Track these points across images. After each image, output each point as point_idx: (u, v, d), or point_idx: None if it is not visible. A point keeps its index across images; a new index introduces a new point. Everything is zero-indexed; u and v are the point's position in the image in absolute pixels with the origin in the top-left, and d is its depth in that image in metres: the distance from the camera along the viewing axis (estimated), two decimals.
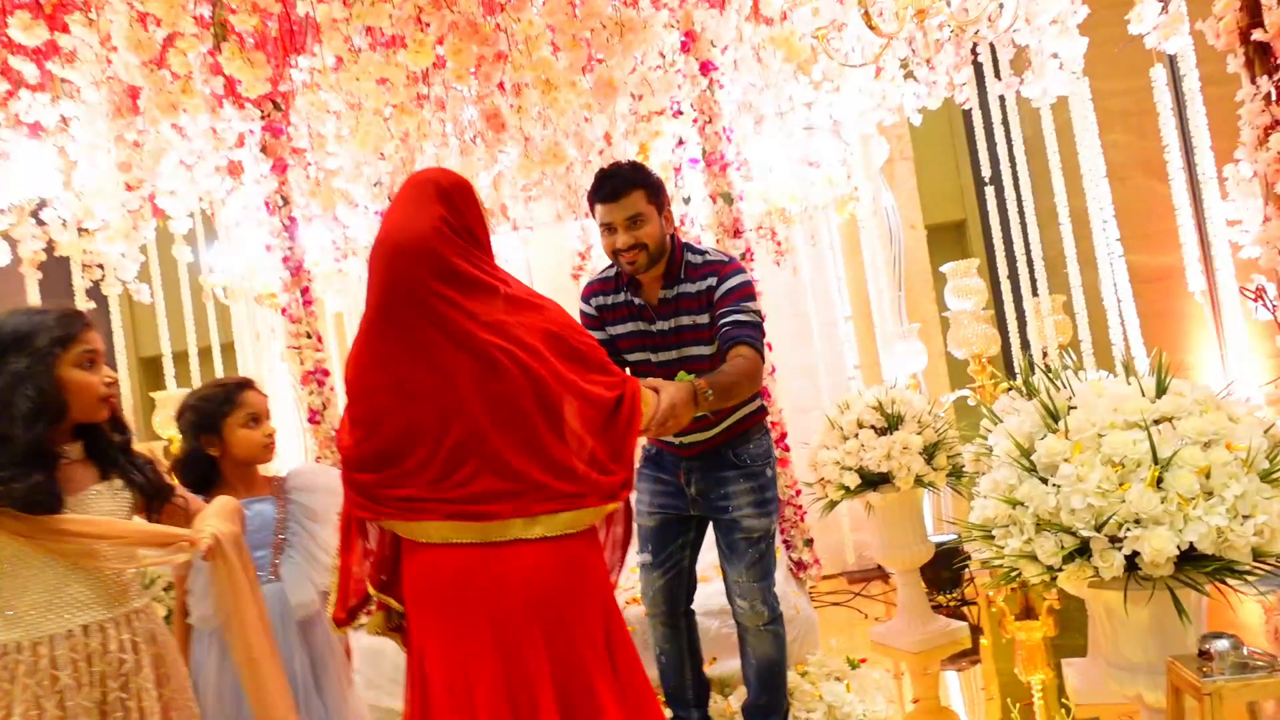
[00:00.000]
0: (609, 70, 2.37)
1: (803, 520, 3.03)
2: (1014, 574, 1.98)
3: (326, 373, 3.11)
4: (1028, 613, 3.92)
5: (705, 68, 2.92)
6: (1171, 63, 3.30)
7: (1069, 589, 1.94)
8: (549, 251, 4.92)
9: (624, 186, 2.21)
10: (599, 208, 2.25)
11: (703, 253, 2.37)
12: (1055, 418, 2.00)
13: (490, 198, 3.90)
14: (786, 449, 3.04)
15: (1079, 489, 1.83)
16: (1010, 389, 3.88)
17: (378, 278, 1.64)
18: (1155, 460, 1.81)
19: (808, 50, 2.55)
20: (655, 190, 2.27)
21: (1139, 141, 5.52)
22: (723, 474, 2.41)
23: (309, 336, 3.10)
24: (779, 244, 3.90)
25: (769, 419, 2.66)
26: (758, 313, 2.28)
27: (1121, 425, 1.89)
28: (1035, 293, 3.78)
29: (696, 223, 3.47)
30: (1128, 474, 1.83)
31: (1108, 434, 1.89)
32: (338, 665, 2.13)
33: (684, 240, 2.39)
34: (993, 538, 2.05)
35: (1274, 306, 2.04)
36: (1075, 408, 2.00)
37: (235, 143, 3.09)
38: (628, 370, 2.33)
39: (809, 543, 3.00)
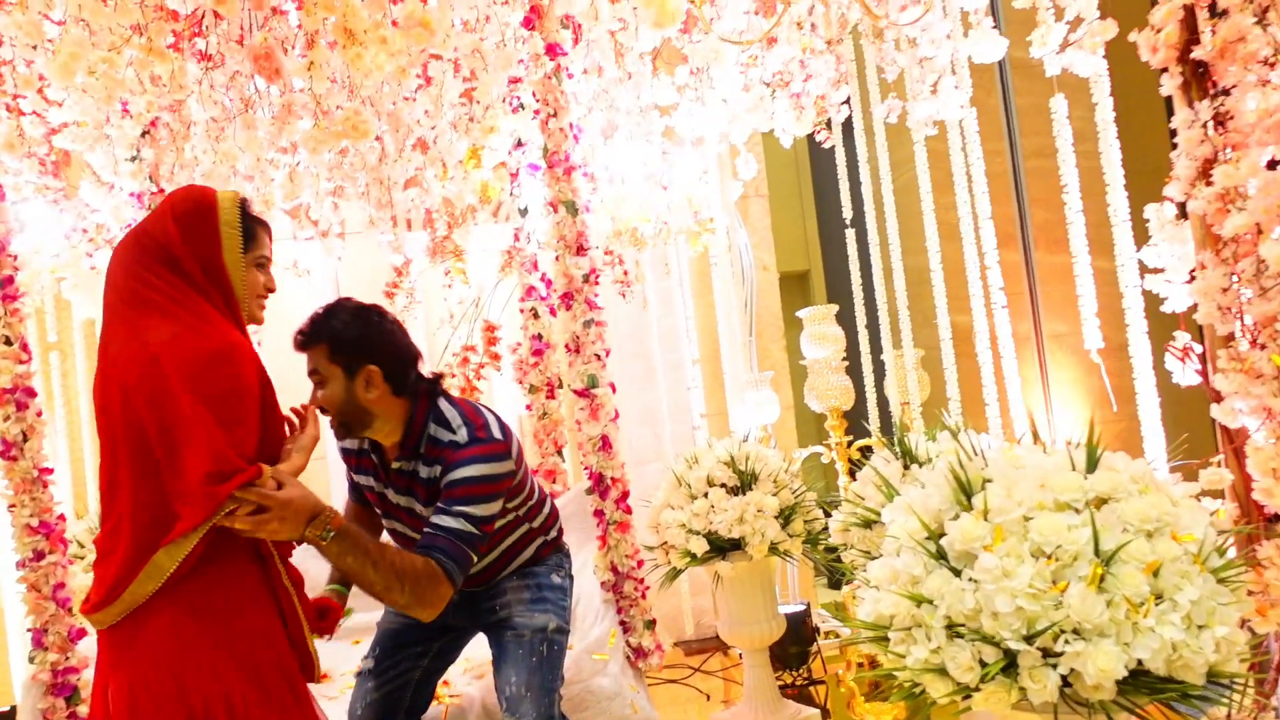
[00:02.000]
0: (424, 8, 1.83)
1: (644, 598, 2.53)
2: (915, 689, 1.56)
3: (31, 392, 2.35)
4: (877, 691, 3.59)
5: (552, 50, 2.44)
6: None
7: (982, 709, 1.53)
8: (359, 263, 4.25)
9: (307, 338, 1.88)
10: None
11: (450, 426, 1.92)
12: (967, 493, 1.61)
13: (285, 193, 3.23)
14: (628, 510, 2.54)
15: (1005, 587, 1.43)
16: (874, 447, 3.59)
17: None
18: (1096, 553, 1.44)
19: (681, 13, 2.10)
20: (344, 347, 1.86)
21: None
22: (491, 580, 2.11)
23: (8, 343, 2.33)
24: (625, 271, 3.44)
25: (612, 480, 2.30)
26: (479, 520, 1.83)
27: (1051, 506, 1.52)
28: (897, 345, 3.50)
29: (534, 238, 2.95)
30: (1062, 569, 1.45)
31: (1036, 516, 1.51)
32: None
33: (443, 407, 1.95)
34: (886, 640, 1.63)
35: (1200, 369, 1.76)
36: (990, 480, 1.61)
37: None
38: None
39: (650, 625, 2.50)
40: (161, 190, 2.97)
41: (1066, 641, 1.39)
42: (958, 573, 1.52)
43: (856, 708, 3.44)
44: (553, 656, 2.05)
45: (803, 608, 3.72)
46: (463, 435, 1.90)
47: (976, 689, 1.46)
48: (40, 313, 3.97)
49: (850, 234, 3.67)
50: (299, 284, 4.09)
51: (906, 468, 2.40)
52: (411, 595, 1.73)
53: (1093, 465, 1.58)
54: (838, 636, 4.20)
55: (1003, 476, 1.59)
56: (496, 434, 1.93)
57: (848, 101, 3.06)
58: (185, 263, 1.63)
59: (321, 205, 3.60)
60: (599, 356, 2.52)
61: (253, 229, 1.73)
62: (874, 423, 3.69)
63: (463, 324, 3.76)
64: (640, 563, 2.54)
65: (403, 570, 1.72)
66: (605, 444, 2.51)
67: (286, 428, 1.77)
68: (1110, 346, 5.31)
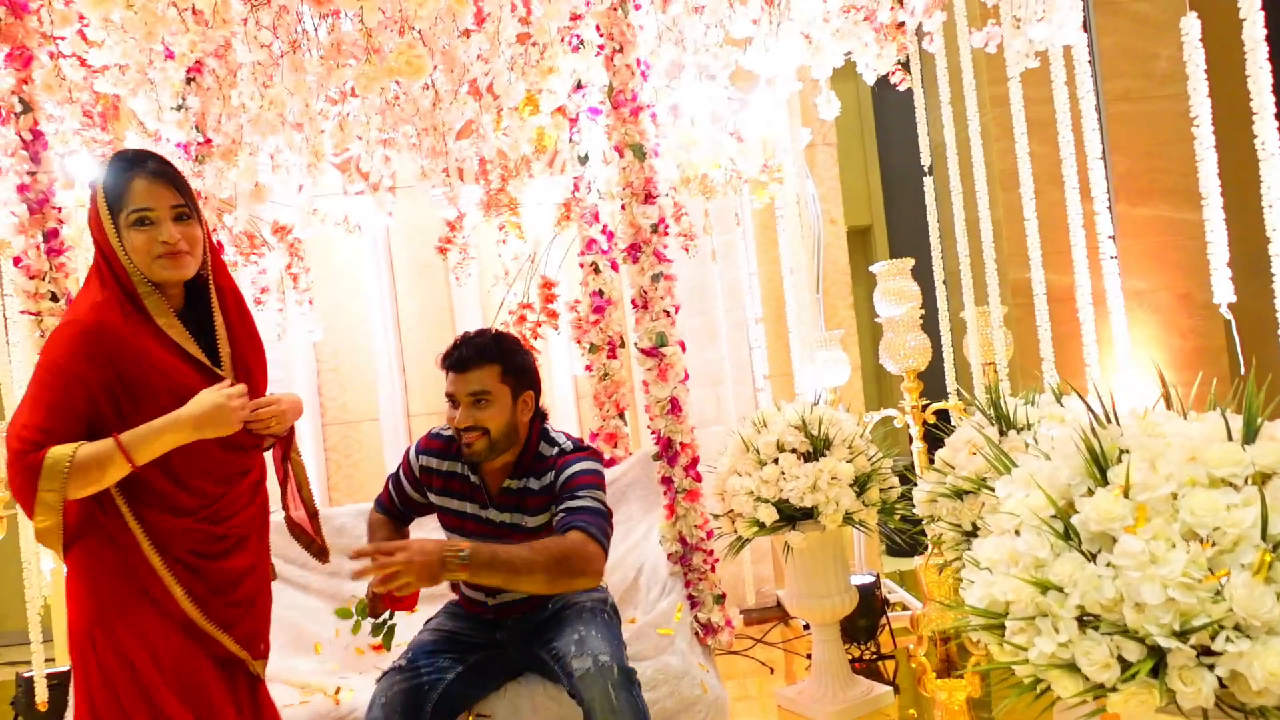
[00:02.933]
0: None
1: (714, 570, 2.38)
2: (1038, 686, 1.38)
3: None
4: (949, 668, 3.43)
5: None
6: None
7: (1120, 712, 1.35)
8: (410, 218, 4.12)
9: (472, 358, 1.94)
10: (447, 375, 1.98)
11: (555, 443, 2.07)
12: (1101, 466, 1.41)
13: (335, 142, 3.10)
14: (698, 478, 2.38)
15: (1153, 575, 1.24)
16: (952, 411, 3.38)
17: None
18: (1264, 536, 1.24)
19: None
20: (516, 371, 1.99)
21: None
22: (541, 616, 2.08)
23: (54, 299, 2.23)
24: (689, 224, 3.24)
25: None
26: (605, 503, 1.96)
27: (1204, 482, 1.32)
28: (980, 301, 3.27)
29: (595, 188, 2.77)
30: (1220, 556, 1.26)
31: (1186, 494, 1.31)
32: None
33: (548, 428, 2.10)
34: (999, 629, 1.45)
35: None
36: (1126, 451, 1.41)
37: None
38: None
39: (720, 599, 2.35)
40: (209, 141, 2.85)
41: (1228, 639, 1.20)
42: (1091, 557, 1.34)
43: (928, 684, 3.29)
44: (616, 624, 2.03)
45: (872, 579, 3.55)
46: (568, 445, 2.05)
47: (1114, 689, 1.29)
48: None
49: (928, 182, 3.42)
50: (350, 240, 3.97)
51: (1003, 433, 2.20)
52: (571, 570, 1.80)
53: (1251, 435, 1.37)
54: (905, 609, 4.03)
55: (1143, 447, 1.39)
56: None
57: (927, 36, 2.79)
58: (91, 225, 1.64)
59: (372, 157, 3.45)
60: (668, 313, 2.35)
61: (118, 185, 1.60)
62: (950, 385, 3.47)
63: (518, 281, 3.61)
64: (710, 533, 2.39)
65: (554, 553, 1.79)
66: (674, 406, 2.35)
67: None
68: (1194, 303, 4.99)
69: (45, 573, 3.62)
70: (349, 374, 4.35)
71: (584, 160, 2.75)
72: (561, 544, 1.81)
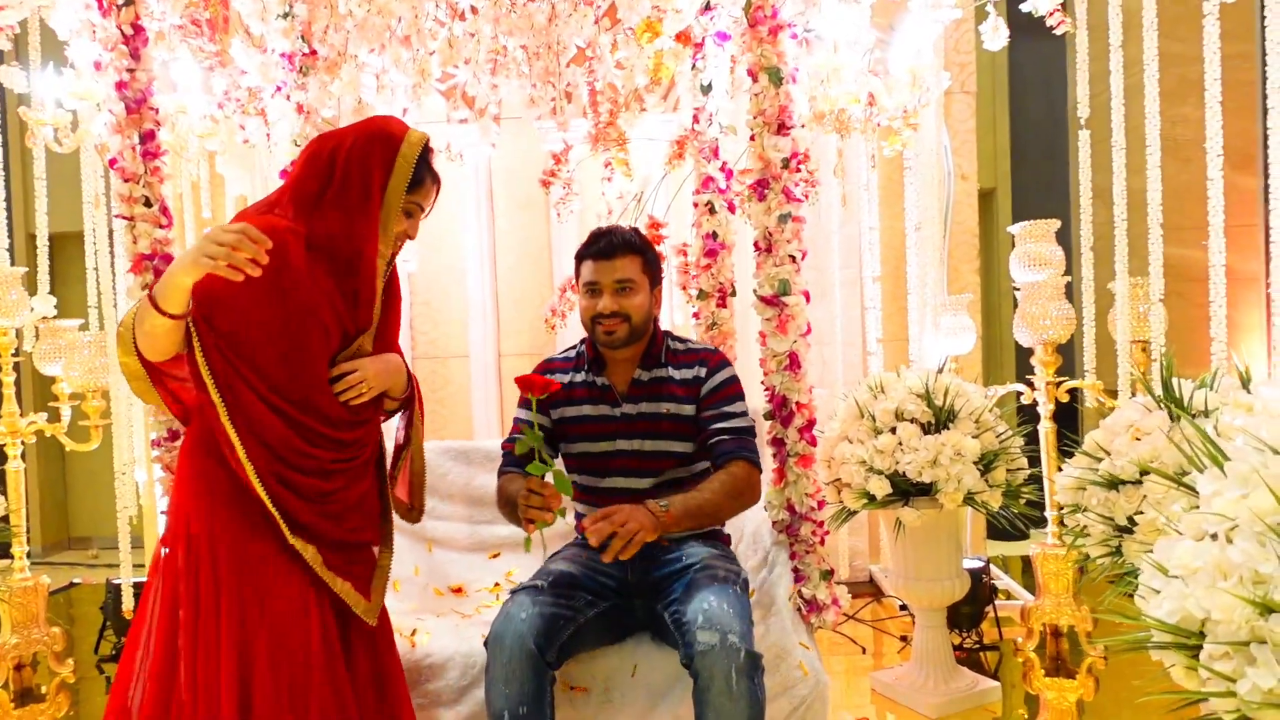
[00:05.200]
0: None
1: (823, 543, 2.17)
2: None
3: (169, 260, 2.16)
4: (1059, 667, 3.16)
5: None
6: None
7: None
8: (513, 151, 3.96)
9: (620, 246, 2.02)
10: (586, 265, 2.05)
11: (684, 340, 2.17)
12: None
13: (443, 59, 2.93)
14: (813, 441, 2.16)
15: None
16: (1087, 390, 3.06)
17: None
18: None
19: None
20: (652, 263, 2.08)
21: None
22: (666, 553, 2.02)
23: (147, 204, 2.13)
24: (811, 171, 2.98)
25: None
26: (750, 416, 2.08)
27: None
28: (1138, 272, 2.93)
29: (716, 119, 2.54)
30: None
31: None
32: None
33: (664, 330, 2.16)
34: (1189, 649, 1.21)
35: None
36: None
37: None
38: (558, 462, 2.14)
39: (828, 575, 2.14)
40: (314, 52, 2.71)
41: None
42: None
43: (1034, 681, 3.04)
44: (746, 598, 1.90)
45: (980, 564, 3.30)
46: (700, 344, 2.18)
47: None
48: (195, 187, 3.87)
49: (1084, 136, 3.06)
50: (451, 170, 3.83)
51: (1174, 419, 1.91)
52: (743, 501, 1.99)
53: None
54: (1010, 597, 3.76)
55: None
56: None
57: None
58: (343, 170, 1.63)
59: (480, 81, 3.28)
60: (793, 258, 2.13)
61: (423, 175, 1.72)
62: (1090, 363, 3.14)
63: (623, 221, 3.41)
64: (821, 503, 2.18)
65: (729, 490, 1.93)
66: (793, 362, 2.13)
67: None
68: None
69: (138, 483, 3.65)
70: (441, 308, 4.25)
71: (706, 90, 2.52)
72: (735, 479, 1.95)
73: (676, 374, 2.07)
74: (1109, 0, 2.85)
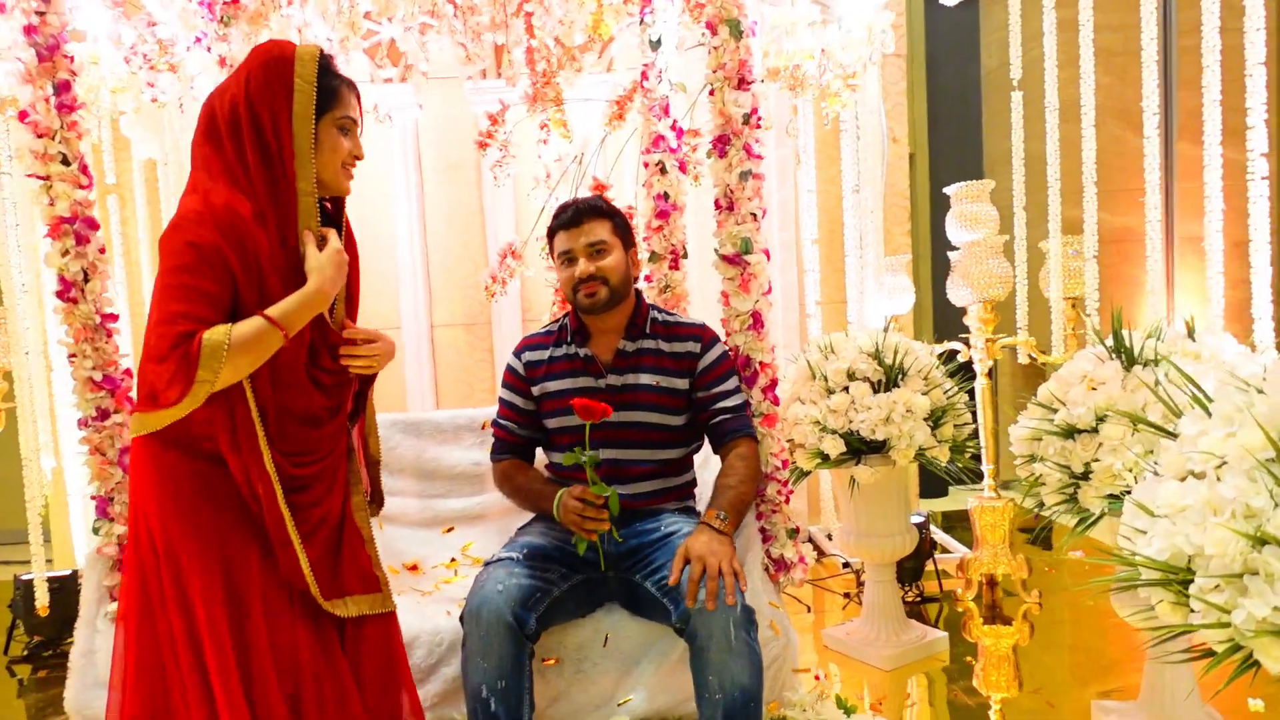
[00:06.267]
0: None
1: (788, 502, 2.17)
2: (1243, 656, 1.18)
3: (93, 224, 1.99)
4: (995, 615, 3.28)
5: None
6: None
7: None
8: (441, 113, 3.82)
9: (586, 212, 2.03)
10: (559, 236, 2.04)
11: (670, 313, 2.16)
12: None
13: (378, 8, 2.78)
14: (776, 401, 2.15)
15: None
16: (1022, 347, 3.14)
17: None
18: None
19: None
20: (622, 226, 2.07)
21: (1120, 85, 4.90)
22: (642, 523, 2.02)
23: (65, 163, 1.96)
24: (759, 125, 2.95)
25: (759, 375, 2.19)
26: (742, 390, 2.11)
27: None
28: (1072, 230, 3.02)
29: (665, 76, 2.49)
30: None
31: None
32: None
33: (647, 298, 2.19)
34: (1184, 587, 1.25)
35: None
36: None
37: None
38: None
39: (794, 533, 2.15)
40: (236, 0, 2.54)
41: None
42: None
43: (973, 630, 3.14)
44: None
45: (922, 519, 3.38)
46: (688, 319, 2.15)
47: None
48: (97, 149, 3.61)
49: (1018, 97, 3.13)
50: (378, 132, 3.67)
51: (1128, 368, 1.97)
52: (759, 477, 2.08)
53: None
54: (945, 550, 3.88)
55: None
56: None
57: None
58: (250, 120, 1.51)
59: (408, 38, 3.14)
60: (754, 216, 2.11)
61: (333, 86, 1.58)
62: (1022, 320, 3.24)
63: (561, 184, 3.32)
64: (785, 463, 2.18)
65: (752, 474, 1.98)
66: (756, 322, 2.12)
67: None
68: (1246, 251, 4.75)
69: (45, 471, 3.41)
70: (370, 278, 4.08)
71: (656, 45, 2.46)
72: (751, 459, 2.00)
73: (666, 346, 2.06)
74: None
